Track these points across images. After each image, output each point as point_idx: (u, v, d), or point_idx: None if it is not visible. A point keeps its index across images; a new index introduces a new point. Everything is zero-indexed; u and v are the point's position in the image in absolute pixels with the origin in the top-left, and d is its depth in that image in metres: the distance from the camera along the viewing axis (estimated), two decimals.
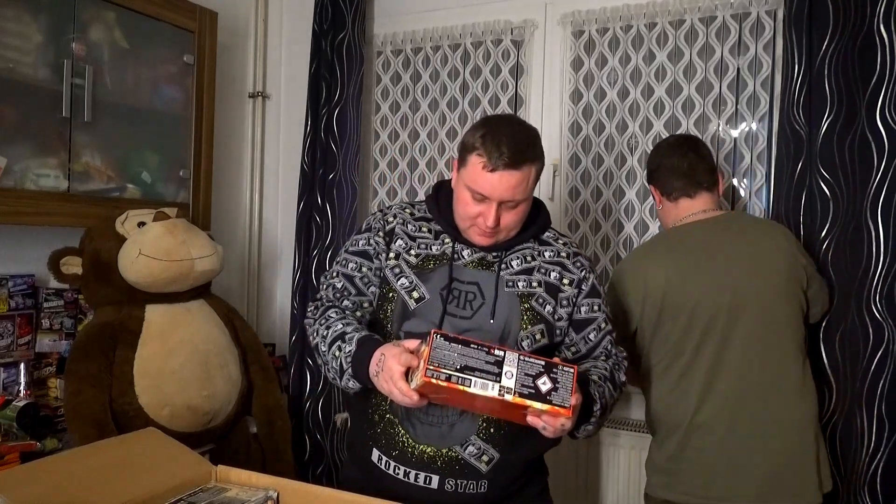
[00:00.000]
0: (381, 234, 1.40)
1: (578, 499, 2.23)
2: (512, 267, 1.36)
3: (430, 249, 1.37)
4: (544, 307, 1.35)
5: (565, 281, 1.38)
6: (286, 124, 2.79)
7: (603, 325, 1.40)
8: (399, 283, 1.34)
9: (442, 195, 1.43)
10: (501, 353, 1.11)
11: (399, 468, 1.30)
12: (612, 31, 2.28)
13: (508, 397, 1.08)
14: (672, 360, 1.62)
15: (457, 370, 1.09)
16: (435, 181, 2.61)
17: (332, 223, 2.53)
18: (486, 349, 1.11)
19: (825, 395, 1.77)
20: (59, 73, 1.78)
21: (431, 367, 1.08)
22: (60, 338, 1.96)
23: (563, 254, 1.41)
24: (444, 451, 1.29)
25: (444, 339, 1.10)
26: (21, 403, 1.68)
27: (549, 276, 1.37)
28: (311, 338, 1.41)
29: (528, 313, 1.33)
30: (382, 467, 1.33)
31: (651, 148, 2.23)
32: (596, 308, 1.40)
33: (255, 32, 2.69)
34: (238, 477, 1.13)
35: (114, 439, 1.26)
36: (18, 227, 1.82)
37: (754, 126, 2.12)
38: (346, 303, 1.41)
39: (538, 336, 1.33)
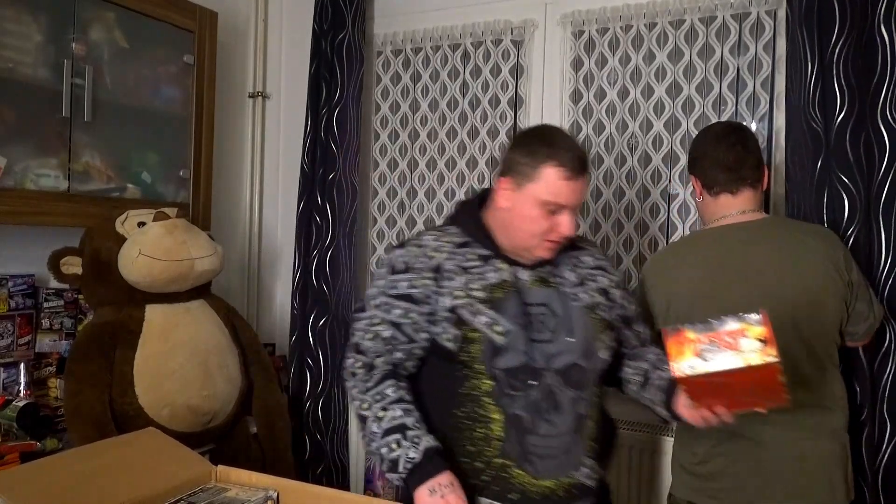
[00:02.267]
0: (426, 273, 1.32)
1: None
2: (566, 280, 1.35)
3: (488, 278, 1.31)
4: (607, 314, 1.37)
5: (611, 284, 1.41)
6: (286, 124, 2.78)
7: (641, 316, 1.49)
8: (479, 321, 1.26)
9: (472, 215, 1.39)
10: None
11: None
12: (612, 31, 2.28)
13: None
14: None
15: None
16: (435, 181, 2.62)
17: (332, 223, 2.53)
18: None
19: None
20: (59, 73, 1.78)
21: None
22: (60, 338, 1.96)
23: (597, 257, 1.44)
24: (563, 479, 1.27)
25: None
26: (21, 403, 1.68)
27: (599, 281, 1.39)
28: (356, 402, 1.34)
29: (598, 324, 1.33)
30: None
31: (651, 148, 2.24)
32: (633, 301, 1.47)
33: (255, 32, 2.69)
34: (238, 477, 1.13)
35: (114, 439, 1.26)
36: (18, 227, 1.82)
37: (754, 126, 2.12)
38: (397, 355, 1.33)
39: (610, 343, 1.35)
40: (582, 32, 2.33)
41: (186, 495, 1.05)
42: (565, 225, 1.28)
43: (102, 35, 1.90)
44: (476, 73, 2.52)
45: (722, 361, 1.07)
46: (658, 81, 2.22)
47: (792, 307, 1.49)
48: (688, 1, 2.15)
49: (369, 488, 2.47)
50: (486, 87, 2.50)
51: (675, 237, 2.22)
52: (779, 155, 2.05)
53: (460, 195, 2.56)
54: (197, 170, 2.19)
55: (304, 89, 2.60)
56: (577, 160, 1.26)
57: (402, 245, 1.39)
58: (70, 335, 1.97)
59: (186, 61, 2.13)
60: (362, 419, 1.32)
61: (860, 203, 1.71)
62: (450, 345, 1.28)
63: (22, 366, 1.82)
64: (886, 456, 1.64)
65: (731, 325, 1.08)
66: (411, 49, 2.63)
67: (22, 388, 1.80)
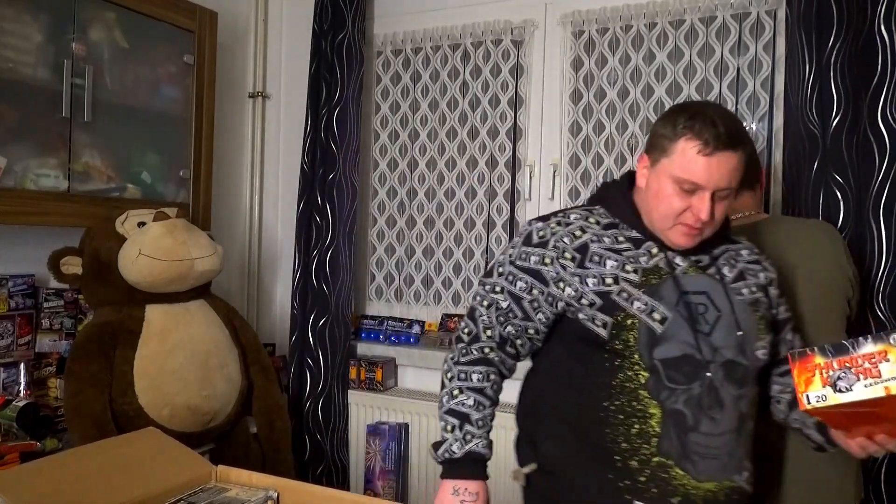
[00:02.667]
0: (567, 254, 1.21)
1: None
2: (725, 272, 1.24)
3: (641, 262, 1.20)
4: (770, 313, 1.27)
5: (768, 281, 1.30)
6: (286, 124, 2.78)
7: (793, 324, 1.35)
8: (635, 306, 1.16)
9: (621, 195, 1.28)
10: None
11: None
12: (612, 31, 2.28)
13: None
14: None
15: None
16: (435, 181, 2.62)
17: (332, 223, 2.53)
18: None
19: None
20: (59, 73, 1.78)
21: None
22: (60, 338, 1.96)
23: (753, 251, 1.32)
24: (724, 482, 1.16)
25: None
26: (21, 403, 1.68)
27: (758, 277, 1.28)
28: (445, 365, 1.31)
29: (761, 322, 1.23)
30: None
31: None
32: (786, 304, 1.33)
33: (255, 32, 2.69)
34: (238, 477, 1.13)
35: (114, 439, 1.26)
36: (18, 227, 1.82)
37: (754, 126, 2.12)
38: (508, 328, 1.27)
39: (768, 344, 1.24)
40: (582, 32, 2.33)
41: (186, 495, 1.05)
42: (700, 208, 1.14)
43: (102, 35, 1.90)
44: (476, 73, 2.52)
45: (858, 391, 0.93)
46: (658, 81, 2.22)
47: (798, 305, 1.49)
48: (688, 1, 2.15)
49: (369, 488, 2.47)
50: (486, 87, 2.50)
51: None
52: (778, 155, 2.05)
53: (460, 195, 2.56)
54: (197, 170, 2.19)
55: (304, 89, 2.60)
56: (718, 134, 1.11)
57: (544, 218, 1.28)
58: (70, 335, 1.97)
59: (186, 61, 2.13)
60: (442, 384, 1.30)
61: (853, 204, 1.72)
62: (601, 331, 1.17)
63: (22, 366, 1.81)
64: (888, 457, 1.64)
65: (870, 347, 0.94)
66: (411, 49, 2.63)
67: (22, 388, 1.80)
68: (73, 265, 1.81)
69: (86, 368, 1.70)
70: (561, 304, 1.22)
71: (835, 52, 1.75)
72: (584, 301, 1.19)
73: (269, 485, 1.10)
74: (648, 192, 1.20)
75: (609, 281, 1.18)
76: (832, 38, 1.75)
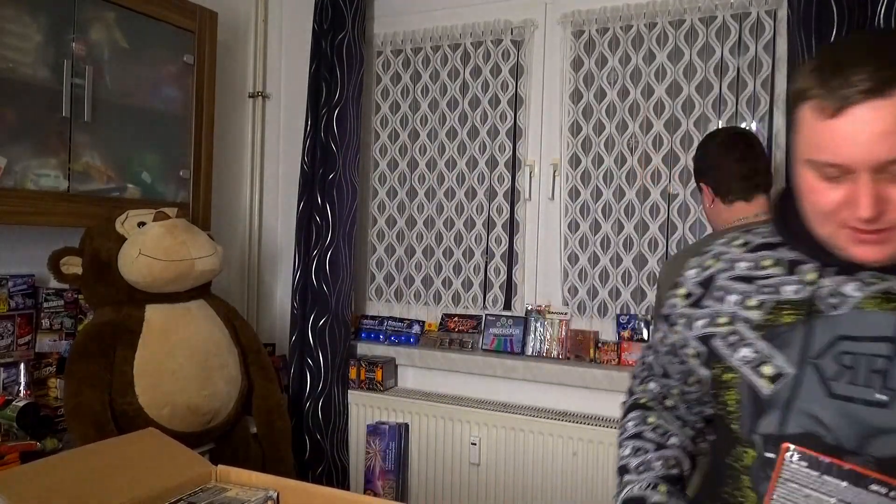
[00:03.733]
0: (682, 290, 0.97)
1: (577, 500, 2.23)
2: None
3: (781, 292, 0.85)
4: None
5: None
6: (286, 124, 2.79)
7: None
8: (739, 355, 0.85)
9: (789, 205, 0.89)
10: None
11: None
12: (612, 31, 2.28)
13: None
14: None
15: None
16: (435, 181, 2.62)
17: (332, 223, 2.53)
18: (888, 488, 0.60)
19: None
20: (59, 73, 1.78)
21: None
22: (60, 338, 1.96)
23: None
24: None
25: (805, 462, 0.67)
26: (21, 403, 1.68)
27: None
28: (620, 427, 1.07)
29: None
30: None
31: (651, 148, 2.24)
32: None
33: (255, 32, 2.69)
34: (238, 477, 1.13)
35: (114, 439, 1.26)
36: (18, 227, 1.82)
37: (754, 126, 2.12)
38: (651, 386, 1.06)
39: None
40: (582, 32, 2.33)
41: (186, 495, 1.05)
42: (856, 200, 0.73)
43: (102, 35, 1.90)
44: (476, 73, 2.52)
45: None
46: (658, 81, 2.22)
47: None
48: (688, 1, 2.15)
49: (369, 488, 2.47)
50: (486, 87, 2.50)
51: (676, 237, 2.23)
52: (779, 154, 2.05)
53: (460, 195, 2.56)
54: (197, 170, 2.19)
55: (304, 89, 2.60)
56: (862, 76, 0.71)
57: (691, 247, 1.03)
58: (70, 335, 1.97)
59: (186, 61, 2.13)
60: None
61: None
62: (704, 391, 0.94)
63: (22, 366, 1.82)
64: None
65: None
66: (411, 49, 2.63)
67: (22, 388, 1.80)
68: (73, 265, 1.81)
69: (86, 368, 1.70)
70: (679, 355, 0.97)
71: None
72: (688, 350, 0.94)
73: (269, 485, 1.10)
74: (799, 186, 0.83)
75: (722, 321, 0.89)
76: (832, 38, 1.75)
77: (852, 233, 0.76)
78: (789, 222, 0.89)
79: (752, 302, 0.87)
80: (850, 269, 0.81)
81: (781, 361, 0.81)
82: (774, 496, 0.67)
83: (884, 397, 0.73)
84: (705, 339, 0.90)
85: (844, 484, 0.62)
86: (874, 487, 0.60)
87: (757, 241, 0.93)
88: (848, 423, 0.75)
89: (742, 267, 0.91)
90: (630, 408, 1.07)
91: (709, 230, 1.88)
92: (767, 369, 0.82)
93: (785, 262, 0.88)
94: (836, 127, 0.73)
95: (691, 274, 0.96)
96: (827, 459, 0.67)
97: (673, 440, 1.00)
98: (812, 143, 0.76)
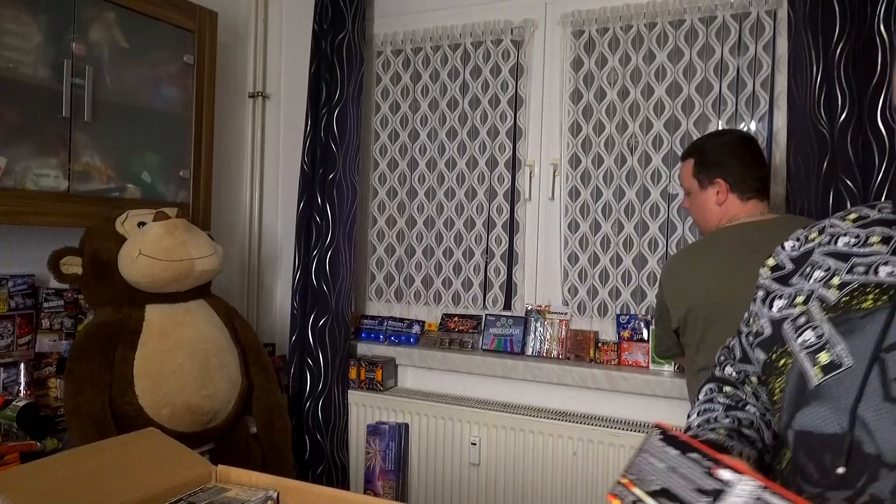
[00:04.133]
0: (781, 269, 0.85)
1: (577, 500, 2.23)
2: None
3: (878, 273, 0.73)
4: None
5: None
6: (286, 124, 2.79)
7: None
8: (800, 339, 0.75)
9: None
10: (729, 475, 0.61)
11: None
12: (612, 31, 2.28)
13: None
14: None
15: (652, 493, 0.63)
16: (435, 181, 2.62)
17: (332, 223, 2.53)
18: (709, 464, 0.62)
19: None
20: (59, 73, 1.78)
21: (623, 483, 0.65)
22: (60, 338, 1.96)
23: None
24: None
25: (663, 440, 0.67)
26: (21, 403, 1.68)
27: None
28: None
29: None
30: None
31: (651, 148, 2.24)
32: None
33: (255, 32, 2.69)
34: (238, 477, 1.13)
35: (114, 439, 1.26)
36: (18, 227, 1.82)
37: (754, 126, 2.12)
38: (728, 369, 0.95)
39: None
40: (582, 32, 2.33)
41: (186, 495, 1.05)
42: None
43: (102, 35, 1.90)
44: (476, 73, 2.52)
45: None
46: (658, 81, 2.22)
47: None
48: (688, 1, 2.15)
49: (369, 488, 2.47)
50: (486, 87, 2.50)
51: (676, 237, 2.23)
52: (779, 154, 2.06)
53: (460, 195, 2.56)
54: (197, 170, 2.19)
55: (304, 89, 2.61)
56: None
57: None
58: (70, 335, 1.97)
59: (186, 61, 2.13)
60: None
61: (860, 203, 1.71)
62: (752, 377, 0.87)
63: (22, 366, 1.82)
64: None
65: None
66: (411, 49, 2.63)
67: (22, 388, 1.80)
68: (73, 265, 1.81)
69: (86, 368, 1.70)
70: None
71: (839, 52, 1.74)
72: (749, 329, 0.85)
73: (269, 485, 1.10)
74: None
75: (799, 300, 0.78)
76: (835, 38, 1.74)
77: None
78: None
79: (836, 280, 0.75)
80: None
81: (842, 350, 0.70)
82: (631, 466, 0.66)
83: None
84: (776, 322, 0.80)
85: (674, 455, 0.64)
86: (691, 457, 0.63)
87: (874, 216, 0.80)
88: (887, 426, 0.63)
89: (844, 242, 0.79)
90: (706, 382, 0.96)
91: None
92: (824, 357, 0.71)
93: (894, 239, 0.74)
94: None
95: (788, 245, 0.85)
96: (676, 434, 0.66)
97: (750, 408, 0.88)
98: None
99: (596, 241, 2.33)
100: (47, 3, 1.77)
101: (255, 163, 2.71)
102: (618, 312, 2.31)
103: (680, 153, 2.20)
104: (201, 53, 2.17)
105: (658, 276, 2.26)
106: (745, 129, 2.13)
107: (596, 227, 2.33)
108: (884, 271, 0.73)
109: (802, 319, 0.76)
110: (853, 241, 0.77)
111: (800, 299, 0.79)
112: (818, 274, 0.78)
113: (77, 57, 1.82)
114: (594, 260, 2.34)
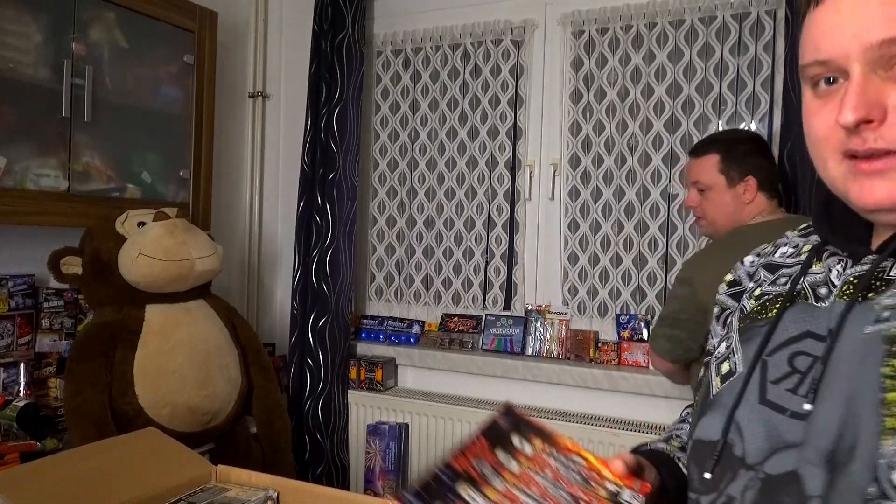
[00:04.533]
0: (731, 276, 0.81)
1: None
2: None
3: (780, 283, 0.71)
4: None
5: None
6: (286, 124, 2.78)
7: None
8: (717, 351, 0.75)
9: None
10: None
11: None
12: (612, 31, 2.28)
13: None
14: None
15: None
16: (435, 181, 2.62)
17: (332, 223, 2.53)
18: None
19: None
20: (59, 73, 1.77)
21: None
22: (60, 338, 1.96)
23: None
24: None
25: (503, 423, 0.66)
26: (21, 403, 1.68)
27: None
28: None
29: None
30: None
31: (651, 148, 2.24)
32: None
33: (255, 32, 2.69)
34: (238, 477, 1.13)
35: (114, 439, 1.26)
36: (18, 227, 1.82)
37: (754, 126, 2.12)
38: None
39: None
40: (582, 32, 2.33)
41: (186, 495, 1.05)
42: (845, 102, 0.55)
43: (102, 35, 1.90)
44: (476, 73, 2.52)
45: None
46: (658, 81, 2.22)
47: None
48: (688, 1, 2.15)
49: (369, 488, 2.47)
50: (486, 87, 2.50)
51: (676, 237, 2.23)
52: (778, 155, 2.05)
53: (460, 195, 2.56)
54: (197, 170, 2.19)
55: (304, 89, 2.61)
56: None
57: None
58: (70, 335, 1.97)
59: (186, 61, 2.13)
60: None
61: None
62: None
63: (22, 366, 1.81)
64: None
65: None
66: (411, 49, 2.63)
67: (22, 388, 1.80)
68: (73, 265, 1.81)
69: (86, 368, 1.70)
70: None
71: None
72: (709, 346, 0.81)
73: (269, 485, 1.10)
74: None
75: (732, 310, 0.78)
76: None
77: (849, 164, 0.57)
78: (823, 203, 0.70)
79: (758, 291, 0.73)
80: (861, 253, 0.62)
81: (739, 357, 0.69)
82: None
83: (809, 406, 0.58)
84: (713, 334, 0.80)
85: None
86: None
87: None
88: (765, 434, 0.61)
89: (782, 252, 0.74)
90: (689, 405, 0.96)
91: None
92: (725, 366, 0.70)
93: (806, 249, 0.71)
94: (817, 16, 0.58)
95: (748, 260, 0.79)
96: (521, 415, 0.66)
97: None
98: (803, 46, 0.60)
99: (596, 241, 2.33)
100: (47, 3, 1.77)
101: (255, 163, 2.71)
102: (618, 312, 2.31)
103: (680, 153, 2.20)
104: (201, 53, 2.17)
105: (657, 276, 2.26)
106: (746, 129, 2.13)
107: (596, 227, 2.33)
108: (782, 279, 0.71)
109: (722, 331, 0.77)
110: (791, 250, 0.74)
111: (733, 310, 0.78)
112: (751, 286, 0.76)
113: (77, 57, 1.82)
114: (594, 260, 2.34)
